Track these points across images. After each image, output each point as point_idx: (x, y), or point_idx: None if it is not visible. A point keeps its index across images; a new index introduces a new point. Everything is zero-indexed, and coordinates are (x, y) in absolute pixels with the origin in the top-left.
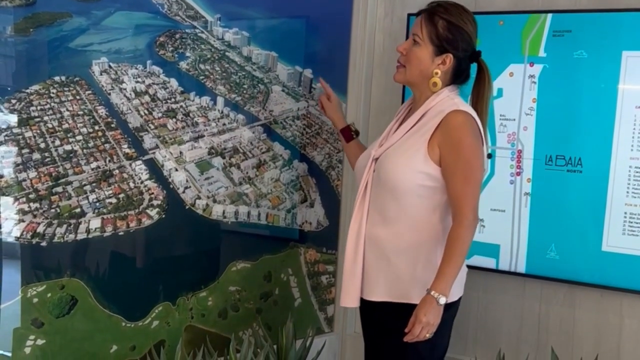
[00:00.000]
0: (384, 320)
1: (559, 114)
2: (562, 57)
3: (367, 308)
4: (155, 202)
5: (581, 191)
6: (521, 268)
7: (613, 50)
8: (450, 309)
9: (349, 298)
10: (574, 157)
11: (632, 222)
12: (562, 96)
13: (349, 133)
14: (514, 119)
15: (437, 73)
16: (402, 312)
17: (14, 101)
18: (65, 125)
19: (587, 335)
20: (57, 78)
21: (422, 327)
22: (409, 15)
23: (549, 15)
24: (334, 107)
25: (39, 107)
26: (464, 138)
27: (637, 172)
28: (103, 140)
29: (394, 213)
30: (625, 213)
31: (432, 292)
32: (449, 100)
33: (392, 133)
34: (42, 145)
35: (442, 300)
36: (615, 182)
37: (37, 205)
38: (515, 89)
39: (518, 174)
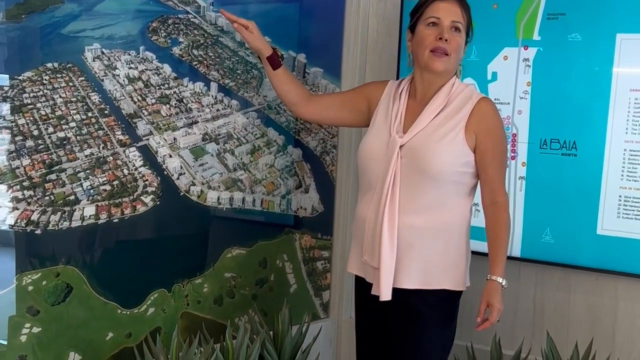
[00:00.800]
0: (413, 308)
1: (554, 98)
2: (557, 40)
3: (394, 296)
4: (149, 189)
5: (576, 175)
6: (516, 252)
7: (607, 32)
8: (460, 297)
9: (388, 292)
10: (568, 141)
11: (626, 205)
12: (556, 79)
13: (277, 59)
14: (509, 103)
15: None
16: (433, 298)
17: (6, 88)
18: (59, 112)
19: (582, 318)
20: (49, 65)
21: (498, 313)
22: None
23: None
24: (257, 33)
25: (31, 94)
26: (500, 126)
27: (631, 155)
28: (96, 127)
29: (431, 200)
30: (620, 196)
31: (497, 278)
32: (466, 86)
33: (402, 118)
34: (36, 133)
35: (506, 284)
36: (610, 166)
37: (31, 192)
38: (510, 73)
39: (513, 157)
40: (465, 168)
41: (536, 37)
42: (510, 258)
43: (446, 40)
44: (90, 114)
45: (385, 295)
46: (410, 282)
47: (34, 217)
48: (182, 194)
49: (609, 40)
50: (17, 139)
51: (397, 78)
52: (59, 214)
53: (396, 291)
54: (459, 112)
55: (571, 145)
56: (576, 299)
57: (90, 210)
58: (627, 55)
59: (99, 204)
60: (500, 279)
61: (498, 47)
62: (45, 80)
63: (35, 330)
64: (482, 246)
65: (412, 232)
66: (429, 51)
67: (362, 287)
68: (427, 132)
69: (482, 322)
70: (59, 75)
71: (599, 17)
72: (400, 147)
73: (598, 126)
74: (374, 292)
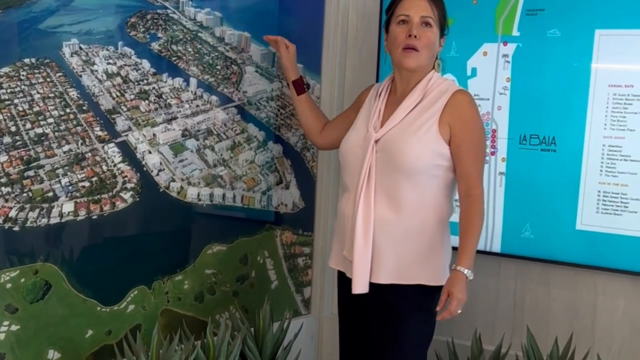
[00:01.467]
0: (390, 303)
1: (533, 93)
2: (536, 36)
3: (371, 291)
4: (128, 185)
5: (555, 170)
6: (496, 247)
7: (586, 28)
8: (439, 291)
9: (362, 284)
10: (547, 137)
11: (605, 201)
12: (535, 75)
13: (302, 85)
14: (488, 99)
15: (438, 55)
16: (410, 293)
17: None
18: (36, 108)
19: (562, 313)
20: (27, 60)
21: (458, 304)
22: None
23: None
24: (292, 56)
25: (8, 90)
26: (475, 117)
27: (610, 150)
28: (75, 123)
29: (406, 194)
30: (599, 192)
31: (462, 269)
32: (444, 80)
33: (381, 114)
34: (13, 129)
35: (471, 276)
36: (589, 161)
37: (8, 189)
38: (489, 69)
39: (492, 153)
40: (441, 161)
41: (515, 32)
42: (490, 253)
43: (415, 36)
44: (68, 110)
45: (359, 288)
46: (387, 277)
47: (12, 214)
48: (161, 190)
49: (588, 36)
50: None
51: (377, 74)
52: (37, 210)
53: (374, 286)
54: (434, 105)
55: (550, 141)
56: (556, 294)
57: (68, 206)
58: (606, 51)
59: (78, 200)
60: (465, 270)
61: (477, 43)
62: (23, 76)
63: (14, 328)
64: (455, 241)
65: (388, 227)
66: (401, 49)
67: (343, 282)
68: (402, 126)
69: (441, 311)
70: (36, 71)
71: (578, 13)
72: (376, 141)
73: (577, 122)
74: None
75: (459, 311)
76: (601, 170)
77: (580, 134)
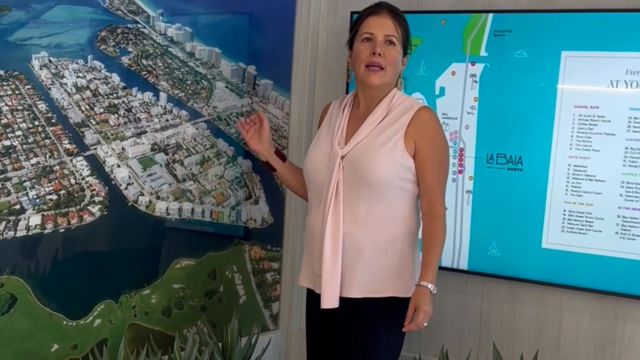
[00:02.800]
0: (361, 316)
1: (500, 113)
2: (503, 56)
3: (341, 305)
4: (97, 199)
5: (521, 189)
6: (463, 265)
7: (552, 50)
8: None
9: (331, 299)
10: (514, 156)
11: (570, 220)
12: (503, 95)
13: (281, 153)
14: (456, 118)
15: (401, 73)
16: (381, 305)
17: None
18: (4, 121)
19: (528, 330)
20: None
21: (425, 316)
22: (352, 13)
23: (490, 15)
24: (267, 136)
25: None
26: (438, 133)
27: (575, 170)
28: (43, 135)
29: (374, 208)
30: (565, 210)
31: (425, 284)
32: (407, 97)
33: (344, 130)
34: None
35: (435, 290)
36: (555, 180)
37: None
38: (457, 88)
39: (460, 172)
40: (407, 174)
41: (483, 53)
42: (457, 270)
43: (379, 54)
44: (37, 123)
45: (329, 302)
46: (358, 291)
47: None
48: (130, 204)
49: (554, 57)
50: None
51: (347, 90)
52: (3, 223)
53: (344, 300)
54: (398, 121)
55: (517, 160)
56: (522, 311)
57: (36, 219)
58: (572, 72)
59: (45, 213)
60: (429, 285)
61: (446, 63)
62: None
63: None
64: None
65: (357, 241)
66: (364, 66)
67: (313, 298)
68: (367, 142)
69: (409, 324)
70: (4, 83)
71: (545, 34)
72: (342, 157)
73: (543, 142)
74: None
75: (425, 324)
76: (567, 190)
77: (547, 154)
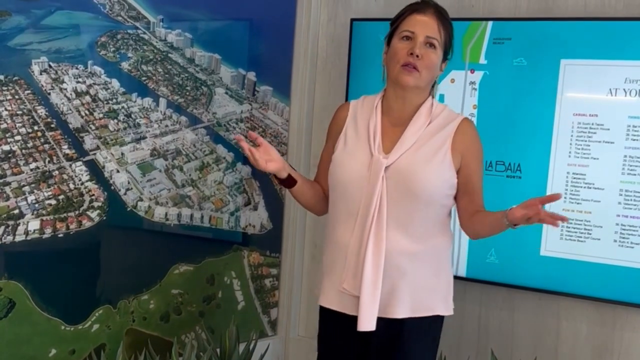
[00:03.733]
0: (402, 336)
1: (499, 121)
2: (502, 64)
3: (378, 326)
4: (95, 204)
5: (520, 196)
6: (462, 272)
7: (552, 58)
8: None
9: (371, 321)
10: (513, 163)
11: (569, 227)
12: (502, 103)
13: (294, 171)
14: None
15: (437, 79)
16: (423, 324)
17: None
18: (4, 125)
19: (525, 337)
20: None
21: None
22: (352, 20)
23: (490, 23)
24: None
25: None
26: (481, 147)
27: (574, 178)
28: (42, 140)
29: (419, 223)
30: None
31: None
32: (444, 106)
33: (377, 134)
34: None
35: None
36: (554, 188)
37: None
38: (457, 95)
39: None
40: (450, 190)
41: (482, 60)
42: (455, 277)
43: (417, 56)
44: (36, 128)
45: (367, 324)
46: (401, 311)
47: None
48: (129, 209)
49: (554, 65)
50: None
51: (346, 97)
52: (2, 227)
53: (382, 321)
54: (442, 132)
55: (516, 168)
56: (520, 319)
57: (34, 224)
58: (571, 80)
59: (44, 218)
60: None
61: (445, 70)
62: None
63: None
64: None
65: (402, 258)
66: (400, 66)
67: (337, 321)
68: (412, 152)
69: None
70: (4, 88)
71: (544, 42)
72: (386, 168)
73: (542, 149)
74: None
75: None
76: (565, 197)
77: (545, 162)
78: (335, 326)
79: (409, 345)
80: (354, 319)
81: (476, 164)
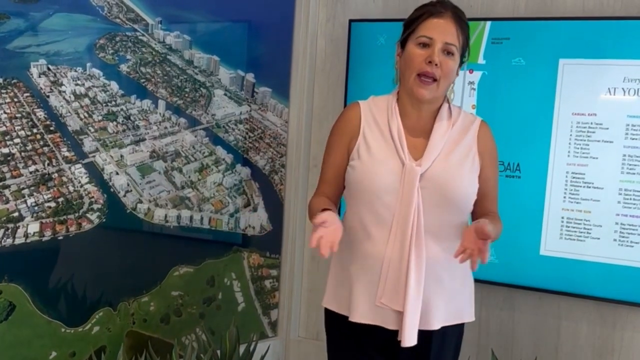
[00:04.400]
0: (433, 347)
1: (498, 120)
2: (501, 64)
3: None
4: (95, 206)
5: (520, 196)
6: None
7: (550, 57)
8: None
9: (414, 336)
10: (512, 163)
11: (569, 227)
12: (500, 102)
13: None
14: None
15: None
16: (453, 333)
17: None
18: (3, 128)
19: (526, 337)
20: None
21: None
22: (351, 21)
23: (488, 23)
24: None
25: None
26: (497, 149)
27: (573, 177)
28: (42, 143)
29: (452, 232)
30: (563, 218)
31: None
32: (459, 109)
33: (403, 140)
34: None
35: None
36: (553, 187)
37: None
38: (455, 96)
39: None
40: (476, 194)
41: (481, 60)
42: None
43: (436, 64)
44: (35, 130)
45: (411, 340)
46: (437, 322)
47: None
48: (128, 211)
49: (552, 65)
50: None
51: (345, 98)
52: (2, 230)
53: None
54: (466, 137)
55: (515, 167)
56: (520, 318)
57: (34, 227)
58: (570, 79)
59: (44, 221)
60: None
61: None
62: None
63: None
64: None
65: (439, 267)
66: (415, 75)
67: (369, 334)
68: (443, 159)
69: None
70: (3, 91)
71: (542, 42)
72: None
73: (541, 149)
74: (401, 338)
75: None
76: (565, 197)
77: (545, 161)
78: (360, 338)
79: (437, 354)
80: (385, 332)
81: (493, 169)
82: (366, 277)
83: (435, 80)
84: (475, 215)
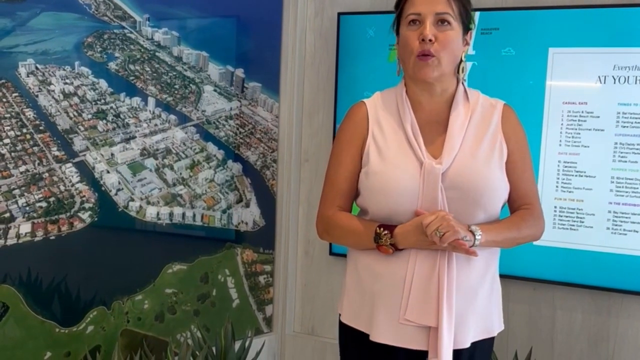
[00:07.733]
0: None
1: None
2: (491, 54)
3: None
4: (87, 205)
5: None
6: None
7: (540, 46)
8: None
9: (450, 355)
10: None
11: (561, 216)
12: (491, 93)
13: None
14: None
15: (463, 56)
16: (482, 348)
17: None
18: None
19: (521, 327)
20: None
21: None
22: (339, 14)
23: (477, 13)
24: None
25: None
26: (525, 133)
27: (565, 166)
28: (31, 143)
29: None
30: (555, 207)
31: (475, 228)
32: (477, 93)
33: (418, 135)
34: None
35: (479, 238)
36: (545, 177)
37: None
38: None
39: None
40: (506, 192)
41: (471, 51)
42: None
43: (430, 40)
44: (24, 130)
45: (447, 358)
46: (469, 339)
47: None
48: (120, 209)
49: (542, 54)
50: None
51: (336, 91)
52: None
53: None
54: (490, 126)
55: None
56: (515, 309)
57: (26, 227)
58: (560, 68)
59: (35, 221)
60: (478, 231)
61: None
62: None
63: None
64: None
65: (469, 282)
66: (414, 57)
67: (384, 352)
68: (467, 153)
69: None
70: None
71: (532, 31)
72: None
73: (533, 138)
74: (432, 358)
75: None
76: (557, 186)
77: (536, 151)
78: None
79: None
80: (408, 354)
81: (523, 153)
82: (387, 297)
83: (434, 56)
84: (511, 208)
